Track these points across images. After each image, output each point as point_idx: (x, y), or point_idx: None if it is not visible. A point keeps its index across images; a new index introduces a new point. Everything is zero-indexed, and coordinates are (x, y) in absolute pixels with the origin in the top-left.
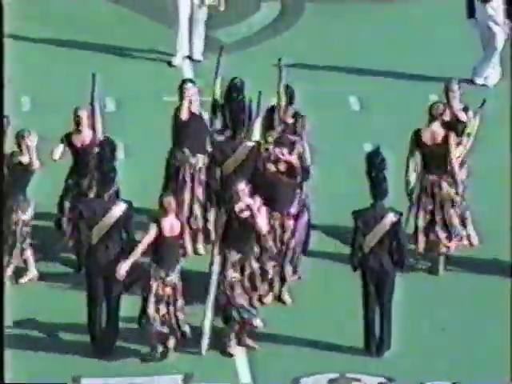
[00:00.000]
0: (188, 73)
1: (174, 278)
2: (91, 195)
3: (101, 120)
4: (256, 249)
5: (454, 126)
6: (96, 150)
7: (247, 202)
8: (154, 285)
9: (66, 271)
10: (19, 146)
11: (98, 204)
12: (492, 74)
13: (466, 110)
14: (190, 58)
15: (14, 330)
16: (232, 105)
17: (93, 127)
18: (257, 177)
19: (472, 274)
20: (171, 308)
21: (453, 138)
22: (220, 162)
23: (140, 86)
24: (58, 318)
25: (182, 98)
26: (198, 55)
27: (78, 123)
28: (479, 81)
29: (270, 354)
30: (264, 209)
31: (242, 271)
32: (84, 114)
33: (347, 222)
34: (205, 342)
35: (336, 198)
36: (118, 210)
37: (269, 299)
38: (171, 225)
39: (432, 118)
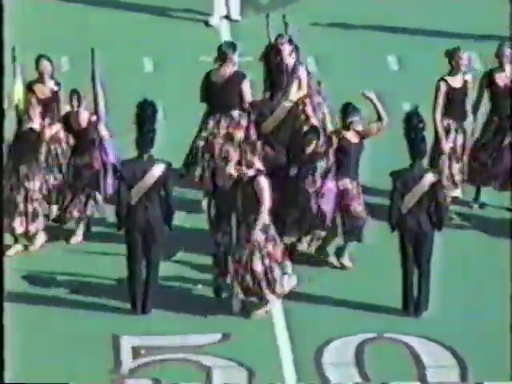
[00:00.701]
0: (225, 33)
1: None
2: (87, 173)
3: (103, 95)
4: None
5: (510, 92)
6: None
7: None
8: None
9: (105, 231)
10: (28, 111)
11: (138, 165)
12: None
13: None
14: (227, 17)
15: (55, 287)
16: (270, 65)
17: (95, 104)
18: (295, 137)
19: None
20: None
21: (441, 94)
22: (259, 122)
23: (177, 47)
24: (98, 276)
25: (224, 61)
26: (235, 15)
27: (73, 105)
28: None
29: (307, 314)
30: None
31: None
32: (78, 97)
33: (386, 183)
34: (235, 300)
35: (375, 158)
36: (157, 170)
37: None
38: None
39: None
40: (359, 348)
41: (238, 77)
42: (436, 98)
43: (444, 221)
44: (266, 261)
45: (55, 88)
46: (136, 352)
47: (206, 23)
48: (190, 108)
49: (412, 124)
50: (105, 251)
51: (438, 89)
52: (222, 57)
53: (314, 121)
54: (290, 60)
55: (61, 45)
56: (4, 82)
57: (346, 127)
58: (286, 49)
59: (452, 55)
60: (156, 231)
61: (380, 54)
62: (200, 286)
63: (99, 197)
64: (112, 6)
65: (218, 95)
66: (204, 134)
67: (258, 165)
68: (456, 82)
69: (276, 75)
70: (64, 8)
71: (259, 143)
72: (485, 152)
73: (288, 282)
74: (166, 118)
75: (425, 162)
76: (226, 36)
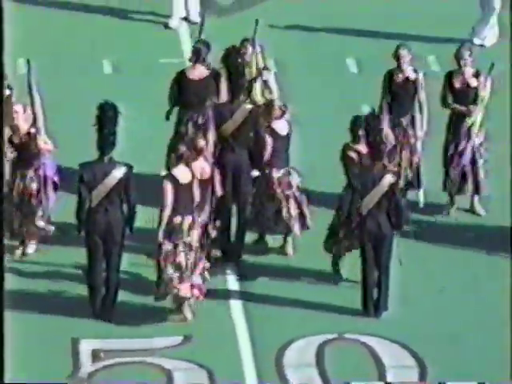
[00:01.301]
0: (185, 35)
1: (204, 218)
2: (33, 187)
3: (40, 107)
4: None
5: (466, 93)
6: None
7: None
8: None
9: (65, 234)
10: None
11: (98, 167)
12: (490, 34)
13: (477, 75)
14: (186, 19)
15: (13, 292)
16: (231, 67)
17: (34, 116)
18: (257, 140)
19: (471, 238)
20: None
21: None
22: (218, 125)
23: (137, 48)
24: (56, 280)
25: (198, 59)
26: (194, 17)
27: (13, 119)
28: (477, 41)
29: (268, 315)
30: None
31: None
32: (20, 109)
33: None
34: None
35: (334, 160)
36: (119, 172)
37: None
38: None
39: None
40: (320, 349)
41: (215, 74)
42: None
43: (403, 221)
44: (162, 262)
45: (7, 92)
46: (96, 355)
47: (166, 25)
48: (149, 110)
49: (370, 126)
50: (65, 254)
51: (383, 81)
52: (196, 55)
53: (275, 125)
54: (256, 62)
55: (17, 47)
56: (4, 82)
57: (356, 140)
58: (250, 51)
59: (395, 52)
60: (116, 234)
61: (339, 57)
62: None
63: (41, 223)
64: (70, 8)
65: (193, 91)
66: (183, 133)
67: (173, 168)
68: (399, 77)
69: (237, 77)
70: (22, 9)
71: (181, 146)
72: (446, 156)
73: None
74: (125, 121)
75: None
76: (185, 38)
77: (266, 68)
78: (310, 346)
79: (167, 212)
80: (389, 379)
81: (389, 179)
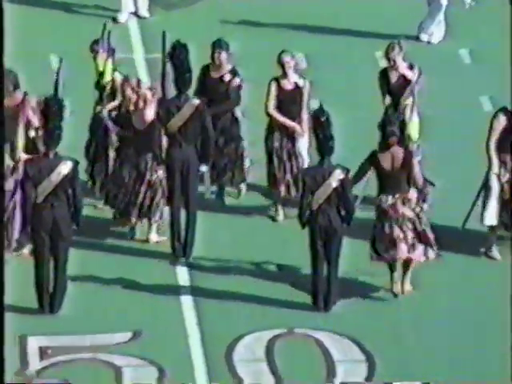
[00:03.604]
0: (134, 29)
1: None
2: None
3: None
4: None
5: (403, 87)
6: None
7: None
8: None
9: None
10: None
11: (44, 162)
12: (437, 31)
13: (411, 67)
14: (135, 14)
15: None
16: (177, 63)
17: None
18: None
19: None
20: None
21: (271, 93)
22: (165, 120)
23: (85, 43)
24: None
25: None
26: (143, 11)
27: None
28: (424, 38)
29: (218, 311)
30: None
31: None
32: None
33: None
34: None
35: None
36: (64, 168)
37: None
38: None
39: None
40: (270, 344)
41: None
42: (267, 95)
43: (353, 216)
44: None
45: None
46: (43, 352)
47: (114, 20)
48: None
49: (319, 121)
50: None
51: (268, 88)
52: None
53: None
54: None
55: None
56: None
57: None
58: None
59: (279, 58)
60: (63, 230)
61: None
62: None
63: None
64: (19, 2)
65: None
66: None
67: None
68: (287, 84)
69: (182, 73)
70: None
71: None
72: None
73: None
74: (71, 115)
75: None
76: (134, 33)
77: None
78: (260, 341)
79: None
80: (338, 373)
81: (338, 174)
